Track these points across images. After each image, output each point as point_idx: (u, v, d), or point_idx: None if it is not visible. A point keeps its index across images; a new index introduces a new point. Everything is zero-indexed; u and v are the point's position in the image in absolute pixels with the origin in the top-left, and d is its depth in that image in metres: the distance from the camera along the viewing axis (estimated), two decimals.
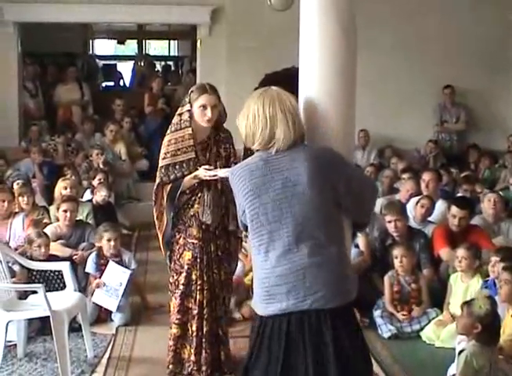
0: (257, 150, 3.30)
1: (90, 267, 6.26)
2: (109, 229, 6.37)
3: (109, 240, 6.28)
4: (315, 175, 3.16)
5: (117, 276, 6.09)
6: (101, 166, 9.41)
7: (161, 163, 4.74)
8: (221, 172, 4.58)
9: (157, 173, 4.77)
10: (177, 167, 4.69)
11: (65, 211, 6.86)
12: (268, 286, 3.17)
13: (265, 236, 3.19)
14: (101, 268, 6.22)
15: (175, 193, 4.69)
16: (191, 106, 4.67)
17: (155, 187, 4.78)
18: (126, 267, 6.32)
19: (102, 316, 6.11)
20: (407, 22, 10.85)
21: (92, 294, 6.12)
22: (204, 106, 4.64)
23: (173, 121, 4.77)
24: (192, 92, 4.71)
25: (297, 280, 3.12)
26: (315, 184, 3.16)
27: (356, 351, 3.20)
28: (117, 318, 6.08)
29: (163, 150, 4.75)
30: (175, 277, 4.85)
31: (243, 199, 3.24)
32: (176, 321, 4.84)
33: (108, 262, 6.21)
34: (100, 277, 6.16)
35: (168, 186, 4.71)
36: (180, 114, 4.72)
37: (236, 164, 4.77)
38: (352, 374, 3.15)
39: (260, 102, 3.27)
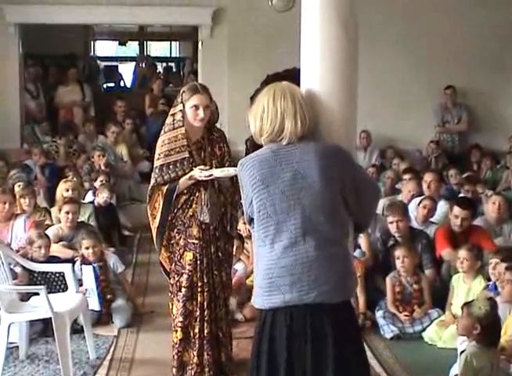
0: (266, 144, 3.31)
1: (76, 273, 6.23)
2: (86, 237, 6.31)
3: (87, 248, 6.23)
4: (325, 169, 3.17)
5: (88, 277, 6.04)
6: (103, 168, 9.41)
7: (155, 163, 4.77)
8: (217, 172, 4.61)
9: (152, 174, 4.79)
10: (171, 167, 4.70)
11: (67, 212, 6.88)
12: (271, 277, 3.16)
13: (271, 227, 3.18)
14: None
15: (172, 195, 4.70)
16: (183, 107, 4.69)
17: (149, 188, 4.79)
18: (113, 271, 6.34)
19: (103, 318, 6.10)
20: (409, 23, 10.84)
21: None
22: (196, 107, 4.65)
23: (166, 122, 4.78)
24: (183, 92, 4.72)
25: (302, 272, 3.12)
26: (325, 178, 3.16)
27: (354, 349, 3.20)
28: (118, 320, 6.08)
29: (157, 151, 4.77)
30: (176, 278, 4.84)
31: (251, 189, 3.23)
32: (179, 324, 4.82)
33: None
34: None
35: (164, 189, 4.71)
36: (173, 115, 4.74)
37: (230, 162, 4.79)
38: (350, 369, 3.15)
39: (270, 94, 3.28)
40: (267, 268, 3.18)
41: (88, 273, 6.05)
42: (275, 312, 3.17)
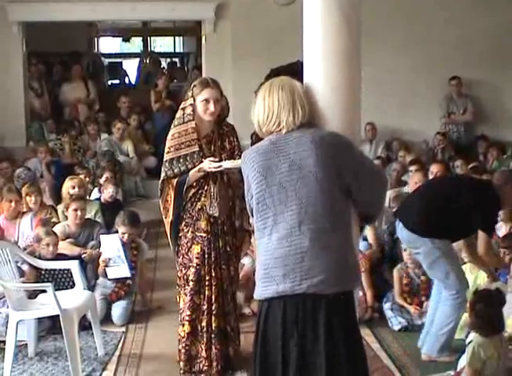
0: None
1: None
2: (126, 223, 6.35)
3: (123, 233, 6.29)
4: (321, 158, 3.18)
5: (112, 245, 6.09)
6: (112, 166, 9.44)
7: (165, 157, 4.79)
8: (226, 163, 4.63)
9: (162, 168, 4.82)
10: (181, 160, 4.72)
11: (75, 209, 6.83)
12: (267, 268, 3.20)
13: (270, 218, 3.21)
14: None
15: (182, 187, 4.73)
16: (194, 101, 4.70)
17: (160, 182, 4.83)
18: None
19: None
20: (414, 14, 10.82)
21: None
22: (207, 100, 4.67)
23: (177, 116, 4.81)
24: (194, 86, 4.74)
25: (295, 262, 3.14)
26: (321, 167, 3.17)
27: (348, 340, 3.19)
28: (115, 317, 6.09)
29: (167, 145, 4.80)
30: (184, 271, 4.85)
31: (251, 181, 3.27)
32: (186, 318, 4.84)
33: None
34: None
35: (174, 181, 4.73)
36: (183, 109, 4.76)
37: (240, 156, 4.80)
38: (341, 360, 3.15)
39: (269, 87, 3.34)
40: (264, 259, 3.22)
41: (113, 241, 6.08)
42: (270, 302, 3.20)
